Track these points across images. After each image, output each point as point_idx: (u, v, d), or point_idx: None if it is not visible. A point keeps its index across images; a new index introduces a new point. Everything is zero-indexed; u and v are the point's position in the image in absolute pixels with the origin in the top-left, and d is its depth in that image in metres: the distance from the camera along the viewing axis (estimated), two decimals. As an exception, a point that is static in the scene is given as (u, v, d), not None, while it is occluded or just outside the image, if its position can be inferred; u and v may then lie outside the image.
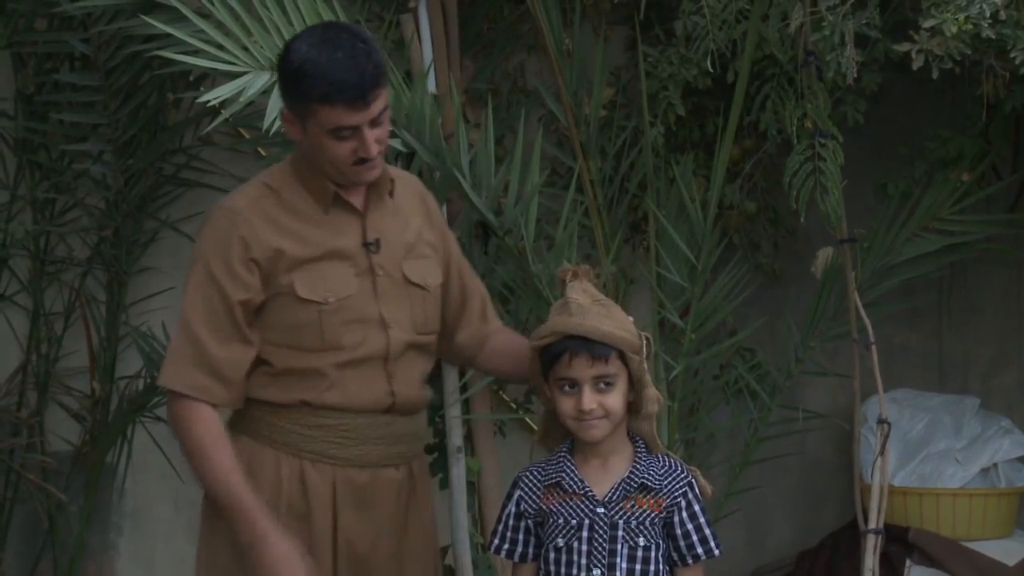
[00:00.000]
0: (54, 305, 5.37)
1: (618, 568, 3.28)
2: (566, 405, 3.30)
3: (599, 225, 4.84)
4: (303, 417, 3.43)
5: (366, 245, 3.46)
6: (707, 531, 3.33)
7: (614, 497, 3.30)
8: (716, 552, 3.35)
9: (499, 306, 4.79)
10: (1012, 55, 4.21)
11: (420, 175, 4.73)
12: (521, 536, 3.39)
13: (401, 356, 3.48)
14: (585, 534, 3.30)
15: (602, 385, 3.28)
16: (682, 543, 3.32)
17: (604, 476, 3.32)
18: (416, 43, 4.80)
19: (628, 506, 3.30)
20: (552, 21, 4.80)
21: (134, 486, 5.35)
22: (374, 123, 3.36)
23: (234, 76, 4.22)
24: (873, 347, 4.62)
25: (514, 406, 5.13)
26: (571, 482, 3.32)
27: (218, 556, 3.45)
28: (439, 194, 4.66)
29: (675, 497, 3.31)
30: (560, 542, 3.32)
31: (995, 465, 4.99)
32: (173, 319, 3.59)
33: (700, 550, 3.33)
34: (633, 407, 3.34)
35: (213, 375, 3.37)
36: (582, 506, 3.31)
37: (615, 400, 3.29)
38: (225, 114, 4.27)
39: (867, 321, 4.62)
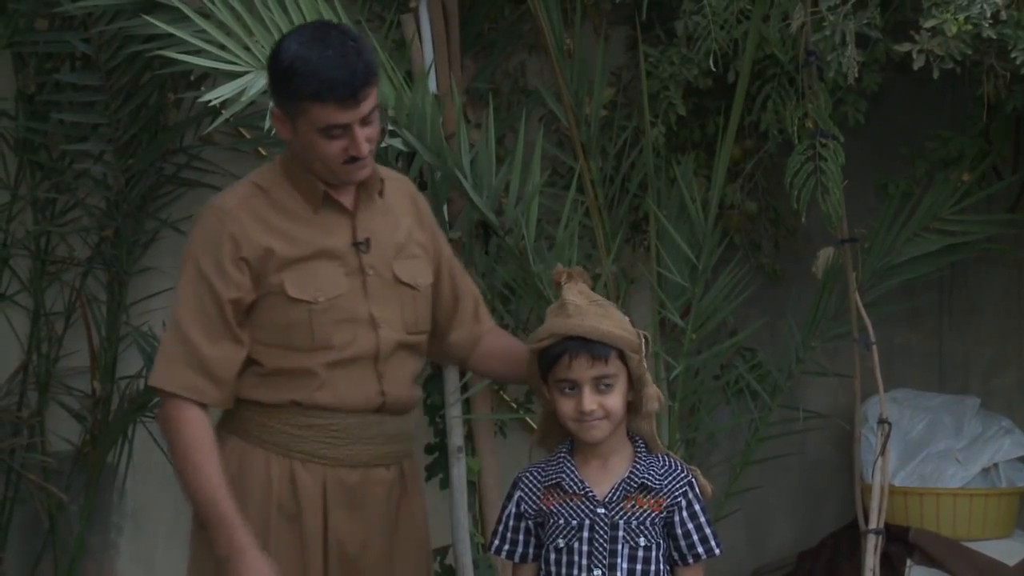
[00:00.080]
0: (55, 305, 5.37)
1: (619, 568, 3.28)
2: (566, 407, 3.29)
3: (600, 225, 4.84)
4: (293, 417, 3.42)
5: (356, 245, 3.45)
6: (707, 530, 3.33)
7: (614, 497, 3.30)
8: (716, 551, 3.35)
9: (500, 306, 4.79)
10: (1013, 55, 4.21)
11: (421, 175, 4.74)
12: (521, 537, 3.39)
13: (391, 356, 3.47)
14: (586, 534, 3.30)
15: (602, 386, 3.28)
16: (682, 543, 3.32)
17: (604, 476, 3.32)
18: (417, 43, 4.80)
19: (628, 506, 3.30)
20: (553, 21, 4.81)
21: (135, 486, 5.35)
22: (364, 122, 3.36)
23: (235, 76, 4.22)
24: (874, 347, 4.62)
25: (515, 406, 5.13)
26: (571, 483, 3.32)
27: (207, 570, 3.45)
28: (440, 194, 4.66)
29: (675, 497, 3.31)
30: (561, 543, 3.32)
31: (995, 465, 4.99)
32: (173, 319, 3.59)
33: (700, 549, 3.33)
34: (633, 407, 3.34)
35: (204, 375, 3.37)
36: (582, 507, 3.31)
37: (615, 400, 3.29)
38: (226, 114, 4.27)
39: (868, 321, 4.62)
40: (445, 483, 4.82)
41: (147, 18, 4.33)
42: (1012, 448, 5.01)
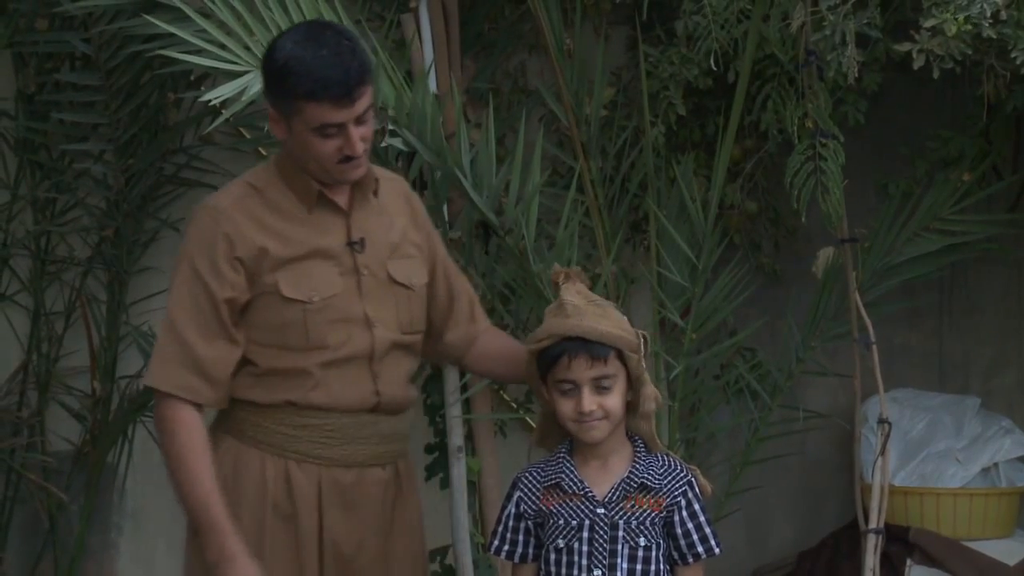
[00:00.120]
0: (55, 305, 5.37)
1: (619, 568, 3.28)
2: (566, 407, 3.29)
3: (600, 225, 4.84)
4: (288, 417, 3.42)
5: (350, 244, 3.45)
6: (707, 530, 3.33)
7: (614, 497, 3.30)
8: (716, 551, 3.35)
9: (500, 306, 4.79)
10: (1013, 55, 4.21)
11: (421, 174, 4.74)
12: (521, 537, 3.39)
13: (386, 355, 3.46)
14: (585, 535, 3.30)
15: (601, 386, 3.27)
16: (682, 542, 3.32)
17: (604, 476, 3.32)
18: (417, 43, 4.80)
19: (628, 506, 3.30)
20: (553, 21, 4.81)
21: (135, 486, 5.35)
22: (359, 121, 3.35)
23: (235, 75, 4.22)
24: (874, 347, 4.61)
25: (515, 406, 5.13)
26: (571, 483, 3.32)
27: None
28: (440, 193, 4.66)
29: (675, 496, 3.31)
30: (560, 543, 3.32)
31: (995, 465, 4.99)
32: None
33: (700, 549, 3.33)
34: (632, 406, 3.34)
35: (199, 374, 3.36)
36: (582, 507, 3.30)
37: (614, 401, 3.29)
38: (226, 114, 4.27)
39: (868, 321, 4.62)
40: (445, 483, 4.82)
41: (148, 18, 4.33)
42: (1012, 448, 5.01)
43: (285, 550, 3.42)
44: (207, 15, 4.33)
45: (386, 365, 3.47)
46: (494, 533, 3.42)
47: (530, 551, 3.38)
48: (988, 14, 4.15)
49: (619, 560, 3.28)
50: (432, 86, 4.69)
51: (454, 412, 4.75)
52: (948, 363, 5.38)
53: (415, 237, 3.57)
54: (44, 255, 5.35)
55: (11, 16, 5.11)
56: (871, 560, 4.53)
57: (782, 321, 5.06)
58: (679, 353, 4.74)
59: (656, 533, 3.30)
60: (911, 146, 5.18)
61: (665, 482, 3.32)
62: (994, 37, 4.19)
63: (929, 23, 4.19)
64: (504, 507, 3.41)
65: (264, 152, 5.00)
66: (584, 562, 3.29)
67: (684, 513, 3.32)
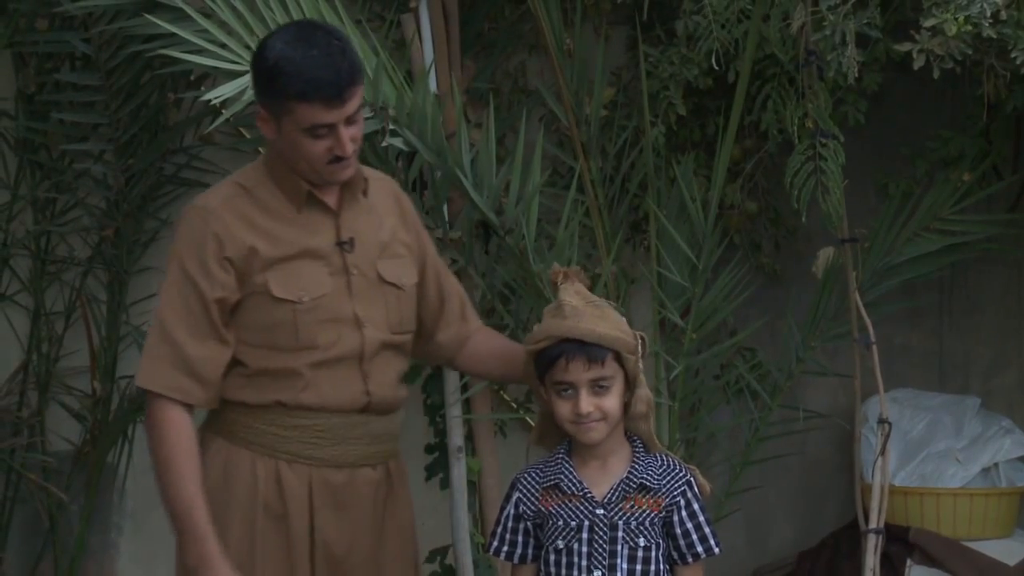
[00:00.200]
0: (55, 305, 5.37)
1: (619, 569, 3.28)
2: (563, 409, 3.29)
3: (600, 225, 4.84)
4: (278, 418, 3.41)
5: (340, 244, 3.44)
6: (706, 530, 3.33)
7: (613, 498, 3.29)
8: (716, 550, 3.34)
9: (500, 306, 4.79)
10: (1013, 55, 4.21)
11: (421, 174, 4.74)
12: (520, 538, 3.38)
13: (376, 355, 3.45)
14: (585, 535, 3.29)
15: (598, 387, 3.27)
16: (682, 542, 3.32)
17: (603, 477, 3.32)
18: (417, 43, 4.80)
19: (627, 507, 3.29)
20: (553, 21, 4.81)
21: (135, 486, 5.34)
22: (349, 121, 3.35)
23: (236, 75, 4.22)
24: (874, 347, 4.62)
25: (515, 406, 5.13)
26: (570, 484, 3.32)
27: None
28: (440, 193, 4.66)
29: (674, 496, 3.31)
30: (560, 544, 3.31)
31: (996, 465, 4.99)
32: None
33: (700, 549, 3.33)
34: (627, 407, 3.34)
35: (190, 375, 3.35)
36: (581, 508, 3.30)
37: (612, 402, 3.28)
38: (226, 114, 4.27)
39: (868, 321, 4.62)
40: (445, 483, 4.82)
41: (149, 17, 4.33)
42: (1012, 448, 5.01)
43: (276, 551, 3.41)
44: (208, 15, 4.33)
45: (376, 365, 3.46)
46: (493, 534, 3.42)
47: (529, 552, 3.38)
48: (988, 14, 4.15)
49: (619, 560, 3.28)
50: (432, 86, 4.69)
51: (454, 412, 4.75)
52: (948, 363, 5.38)
53: (405, 237, 3.57)
54: (44, 255, 5.35)
55: (11, 16, 5.11)
56: (871, 560, 4.54)
57: (782, 321, 5.06)
58: (679, 353, 4.74)
59: (655, 533, 3.30)
60: (911, 146, 5.18)
61: (664, 482, 3.31)
62: (994, 37, 4.19)
63: (929, 23, 4.19)
64: (503, 508, 3.40)
65: (263, 152, 4.99)
66: (584, 563, 3.29)
67: (683, 513, 3.31)
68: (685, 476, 3.33)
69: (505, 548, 3.39)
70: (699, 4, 4.56)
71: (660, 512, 3.30)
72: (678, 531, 3.31)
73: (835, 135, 4.51)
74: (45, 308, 5.35)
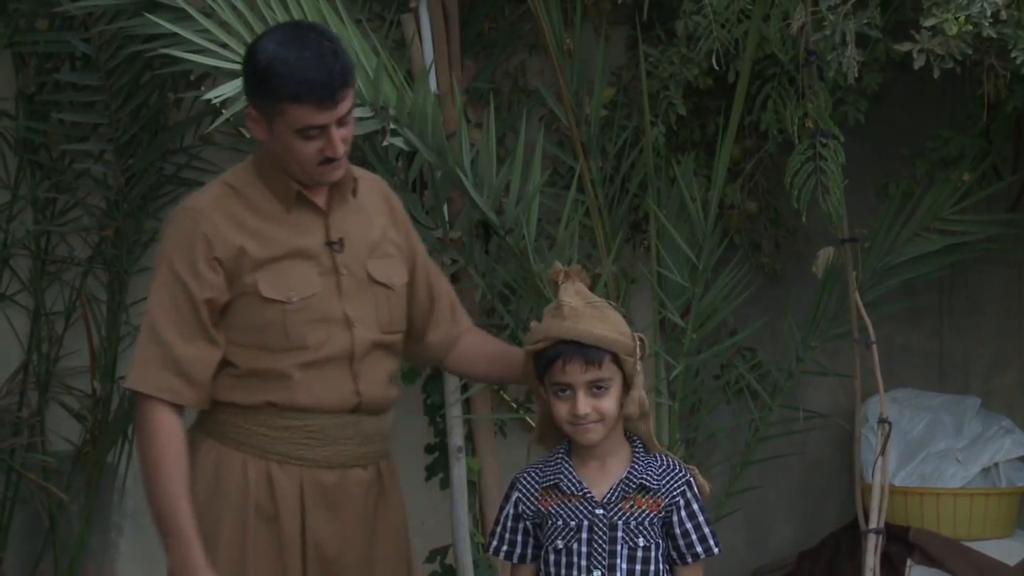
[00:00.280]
0: (55, 305, 5.37)
1: (618, 569, 3.28)
2: (561, 410, 3.29)
3: (600, 225, 4.84)
4: (269, 419, 3.41)
5: (329, 244, 3.44)
6: (706, 530, 3.33)
7: (613, 498, 3.29)
8: (715, 551, 3.34)
9: (500, 306, 4.79)
10: (1013, 55, 4.21)
11: (421, 174, 4.74)
12: (520, 537, 3.38)
13: (367, 355, 3.45)
14: (584, 535, 3.29)
15: (596, 389, 3.27)
16: (681, 542, 3.32)
17: (602, 477, 3.32)
18: (417, 43, 4.80)
19: (627, 507, 3.29)
20: (553, 21, 4.81)
21: (135, 486, 5.34)
22: (341, 122, 3.35)
23: (236, 75, 4.21)
24: (874, 347, 4.61)
25: (515, 406, 5.13)
26: (569, 484, 3.32)
27: None
28: (440, 193, 4.66)
29: (673, 497, 3.31)
30: (559, 544, 3.31)
31: (996, 465, 4.99)
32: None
33: (699, 549, 3.33)
34: (623, 408, 3.34)
35: (180, 376, 3.35)
36: (581, 508, 3.30)
37: (609, 403, 3.28)
38: (227, 114, 4.27)
39: (868, 321, 4.62)
40: (445, 483, 4.82)
41: (149, 16, 4.33)
42: (1012, 448, 5.01)
43: (268, 551, 3.41)
44: (208, 14, 4.34)
45: (366, 365, 3.45)
46: (492, 533, 3.42)
47: (529, 551, 3.38)
48: (988, 14, 4.15)
49: (618, 561, 3.28)
50: (432, 86, 4.69)
51: (454, 412, 4.75)
52: (948, 363, 5.38)
53: (395, 236, 3.56)
54: (44, 255, 5.35)
55: (11, 16, 5.11)
56: (871, 560, 4.53)
57: (782, 321, 5.06)
58: (679, 353, 4.74)
59: (655, 533, 3.30)
60: (911, 146, 5.18)
61: (664, 482, 3.31)
62: (994, 37, 4.19)
63: (929, 23, 4.19)
64: (503, 507, 3.40)
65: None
66: (583, 563, 3.29)
67: (683, 513, 3.31)
68: (685, 476, 3.33)
69: (505, 548, 3.40)
70: (699, 4, 4.56)
71: (660, 512, 3.30)
72: (677, 531, 3.31)
73: (835, 135, 4.50)
74: (45, 308, 5.35)
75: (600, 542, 3.28)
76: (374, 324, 3.47)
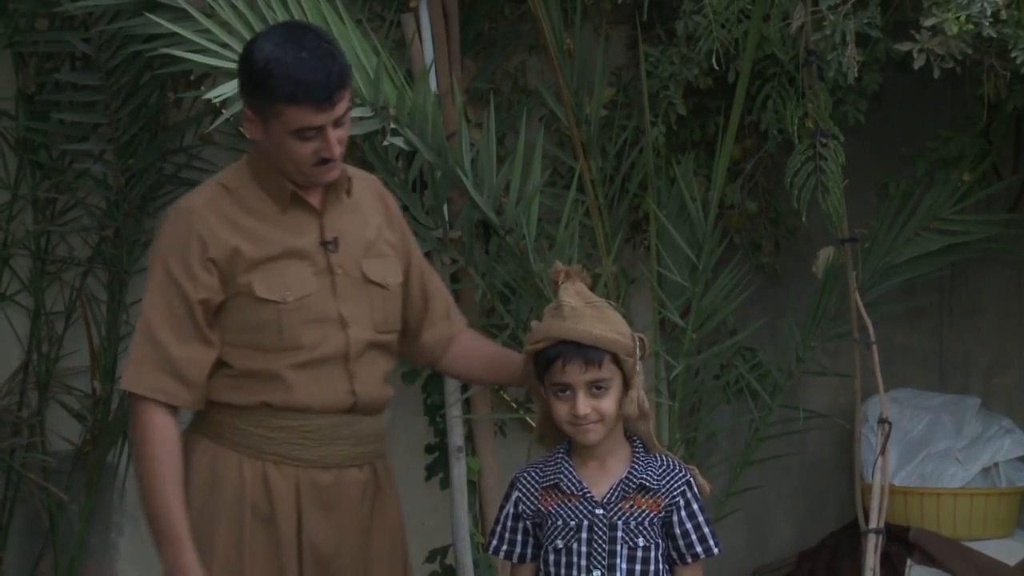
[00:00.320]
0: (55, 305, 5.37)
1: (618, 569, 3.28)
2: (561, 410, 3.29)
3: (600, 225, 4.84)
4: (264, 419, 3.41)
5: (324, 244, 3.44)
6: (706, 530, 3.33)
7: (612, 498, 3.29)
8: (715, 551, 3.34)
9: (500, 306, 4.79)
10: (1013, 55, 4.21)
11: (421, 174, 4.74)
12: (519, 537, 3.38)
13: (362, 355, 3.45)
14: (584, 535, 3.29)
15: (596, 389, 3.27)
16: (681, 542, 3.32)
17: (602, 477, 3.32)
18: (417, 43, 4.80)
19: (627, 507, 3.29)
20: (553, 21, 4.81)
21: (135, 486, 5.33)
22: (337, 123, 3.35)
23: (236, 75, 4.21)
24: (874, 347, 4.61)
25: (515, 406, 5.13)
26: (569, 484, 3.32)
27: None
28: (440, 193, 4.66)
29: (673, 497, 3.31)
30: (559, 543, 3.31)
31: (996, 465, 4.99)
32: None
33: (699, 549, 3.33)
34: (621, 408, 3.34)
35: (175, 377, 3.35)
36: (581, 507, 3.30)
37: (609, 404, 3.28)
38: (227, 114, 4.27)
39: (868, 321, 4.62)
40: (445, 483, 4.82)
41: (149, 16, 4.33)
42: (1012, 448, 5.01)
43: (264, 552, 3.41)
44: (209, 14, 4.34)
45: (362, 365, 3.45)
46: (492, 533, 3.42)
47: (528, 551, 3.38)
48: (988, 13, 4.15)
49: (618, 560, 3.28)
50: (432, 86, 4.69)
51: (454, 412, 4.75)
52: (948, 363, 5.38)
53: (390, 236, 3.56)
54: (44, 255, 5.35)
55: (11, 16, 5.11)
56: (871, 560, 4.53)
57: (782, 321, 5.06)
58: (679, 353, 4.74)
59: (655, 533, 3.30)
60: (911, 146, 5.18)
61: (663, 482, 3.31)
62: (994, 37, 4.19)
63: (929, 22, 4.19)
64: (502, 507, 3.40)
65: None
66: (583, 563, 3.29)
67: (683, 513, 3.31)
68: (684, 476, 3.33)
69: (504, 547, 3.40)
70: (699, 4, 4.56)
71: (659, 512, 3.30)
72: (677, 531, 3.31)
73: (835, 135, 4.50)
74: (45, 308, 5.35)
75: (600, 542, 3.28)
76: (369, 324, 3.46)
